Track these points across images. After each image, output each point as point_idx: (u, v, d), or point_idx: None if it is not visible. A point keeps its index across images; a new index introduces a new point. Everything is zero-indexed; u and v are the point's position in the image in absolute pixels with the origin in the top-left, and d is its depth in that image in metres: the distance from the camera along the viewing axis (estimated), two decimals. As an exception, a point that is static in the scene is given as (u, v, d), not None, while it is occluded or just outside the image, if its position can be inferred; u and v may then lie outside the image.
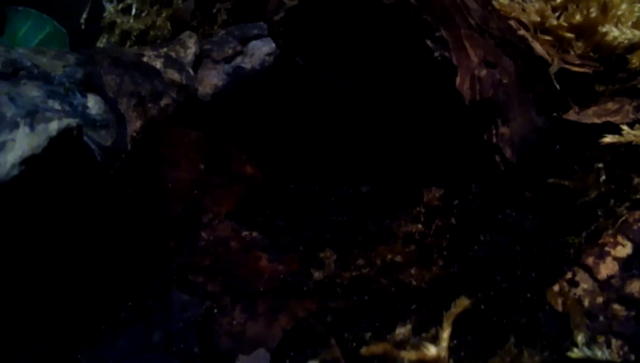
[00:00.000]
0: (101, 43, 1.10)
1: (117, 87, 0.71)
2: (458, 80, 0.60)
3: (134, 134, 0.71)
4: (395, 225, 0.73)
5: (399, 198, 0.76)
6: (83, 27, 1.09)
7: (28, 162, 0.48)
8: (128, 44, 1.09)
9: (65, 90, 0.64)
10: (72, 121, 0.51)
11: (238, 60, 0.93)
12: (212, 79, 0.90)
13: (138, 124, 0.72)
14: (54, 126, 0.49)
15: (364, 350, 0.53)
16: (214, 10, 1.11)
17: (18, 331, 0.63)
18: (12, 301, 0.63)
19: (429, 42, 0.62)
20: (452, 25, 0.62)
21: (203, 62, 0.91)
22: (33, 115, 0.49)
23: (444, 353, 0.50)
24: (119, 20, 1.07)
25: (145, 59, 0.78)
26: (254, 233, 0.75)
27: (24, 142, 0.47)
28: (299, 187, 0.81)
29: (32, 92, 0.59)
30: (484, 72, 0.60)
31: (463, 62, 0.61)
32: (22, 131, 0.47)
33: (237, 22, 1.06)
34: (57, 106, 0.60)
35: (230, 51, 0.93)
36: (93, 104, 0.67)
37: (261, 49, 0.95)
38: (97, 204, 0.63)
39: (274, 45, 0.93)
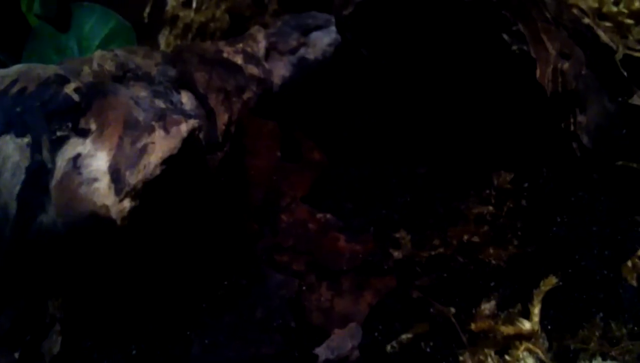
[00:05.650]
0: (163, 36, 1.14)
1: (206, 83, 0.75)
2: (538, 72, 0.64)
3: (222, 127, 0.76)
4: (464, 206, 0.77)
5: (459, 181, 0.80)
6: (146, 20, 1.13)
7: (167, 162, 0.53)
8: (189, 36, 1.13)
9: (164, 88, 0.69)
10: (195, 122, 0.56)
11: (302, 51, 0.96)
12: (280, 71, 0.93)
13: (225, 117, 0.76)
14: (184, 128, 0.54)
15: (473, 326, 0.57)
16: (265, 1, 1.14)
17: (150, 305, 0.67)
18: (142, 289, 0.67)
19: (505, 36, 0.66)
20: (529, 19, 0.65)
21: (270, 54, 0.95)
22: (164, 119, 0.54)
23: (537, 328, 0.54)
24: (181, 14, 1.11)
25: (225, 55, 0.83)
26: (328, 216, 0.79)
27: (162, 144, 0.52)
28: (360, 169, 0.85)
29: (141, 92, 0.64)
30: (566, 65, 0.63)
31: (541, 54, 0.64)
32: (159, 134, 0.52)
33: (287, 11, 1.09)
34: (162, 105, 0.64)
35: (294, 43, 0.96)
36: (186, 100, 0.72)
37: (322, 40, 0.98)
38: (203, 195, 0.68)
39: (334, 35, 0.97)
